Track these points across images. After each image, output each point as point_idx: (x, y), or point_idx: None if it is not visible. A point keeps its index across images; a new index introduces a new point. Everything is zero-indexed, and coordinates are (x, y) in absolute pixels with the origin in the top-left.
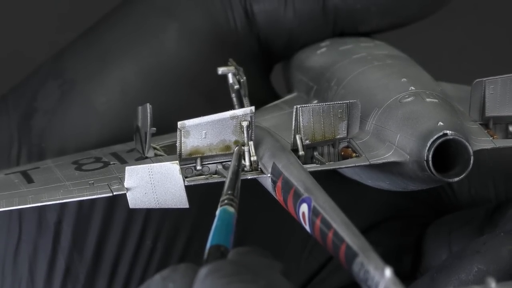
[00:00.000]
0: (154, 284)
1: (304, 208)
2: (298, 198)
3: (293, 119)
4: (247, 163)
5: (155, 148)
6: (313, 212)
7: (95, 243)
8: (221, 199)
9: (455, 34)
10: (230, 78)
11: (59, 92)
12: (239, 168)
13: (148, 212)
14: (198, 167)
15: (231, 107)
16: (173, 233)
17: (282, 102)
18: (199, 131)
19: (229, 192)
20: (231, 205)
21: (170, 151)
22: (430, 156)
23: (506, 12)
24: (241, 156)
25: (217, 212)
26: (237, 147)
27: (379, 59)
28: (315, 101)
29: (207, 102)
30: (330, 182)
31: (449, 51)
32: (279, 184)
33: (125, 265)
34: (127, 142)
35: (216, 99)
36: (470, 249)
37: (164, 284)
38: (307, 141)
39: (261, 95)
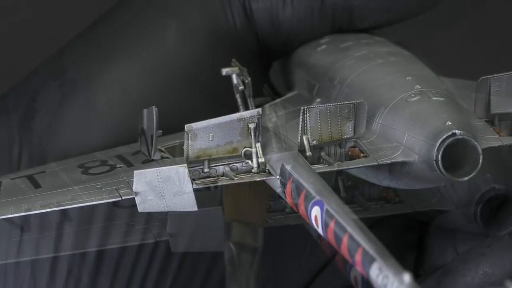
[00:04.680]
0: None
1: (316, 211)
2: (309, 201)
3: (300, 120)
4: (254, 164)
5: (160, 150)
6: (326, 215)
7: (98, 244)
8: None
9: (455, 34)
10: (234, 79)
11: (60, 93)
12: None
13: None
14: (206, 170)
15: (230, 104)
16: None
17: (283, 100)
18: (206, 134)
19: None
20: None
21: (175, 153)
22: (440, 156)
23: (506, 12)
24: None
25: None
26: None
27: (382, 56)
28: (318, 100)
29: (206, 100)
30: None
31: (449, 51)
32: (288, 186)
33: (127, 266)
34: (130, 142)
35: (215, 96)
36: (475, 251)
37: None
38: (314, 142)
39: (260, 91)
